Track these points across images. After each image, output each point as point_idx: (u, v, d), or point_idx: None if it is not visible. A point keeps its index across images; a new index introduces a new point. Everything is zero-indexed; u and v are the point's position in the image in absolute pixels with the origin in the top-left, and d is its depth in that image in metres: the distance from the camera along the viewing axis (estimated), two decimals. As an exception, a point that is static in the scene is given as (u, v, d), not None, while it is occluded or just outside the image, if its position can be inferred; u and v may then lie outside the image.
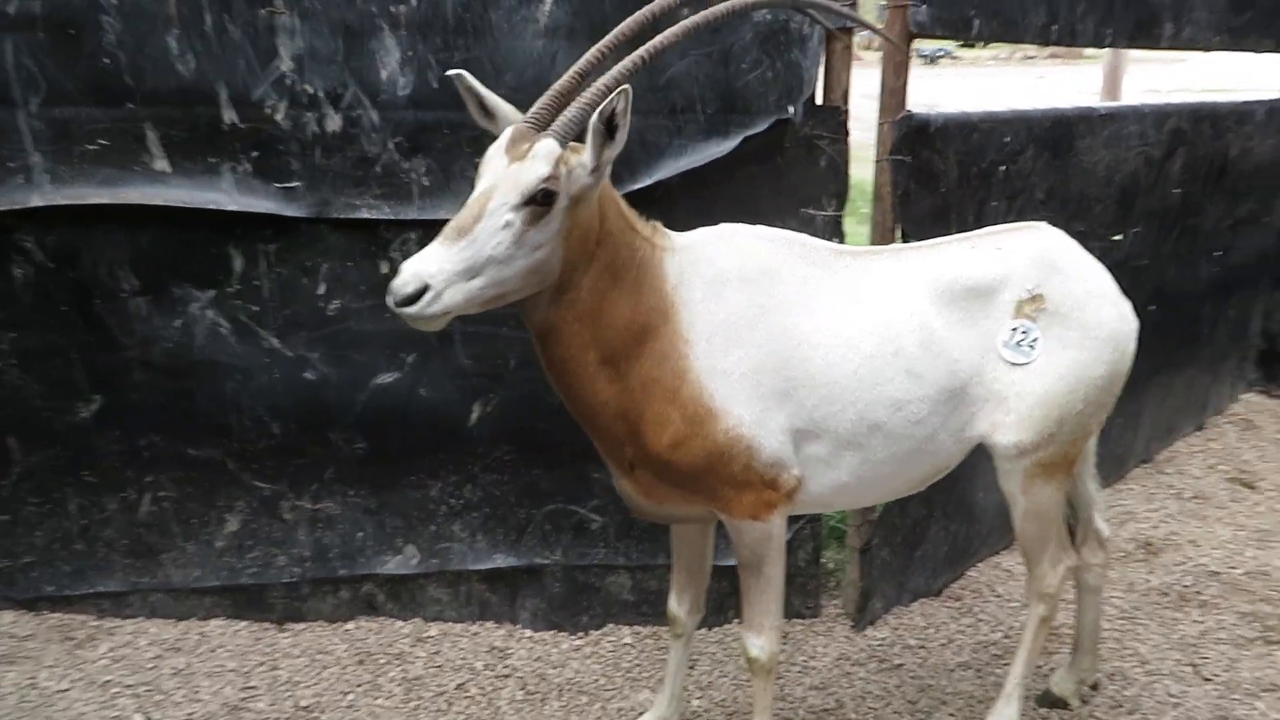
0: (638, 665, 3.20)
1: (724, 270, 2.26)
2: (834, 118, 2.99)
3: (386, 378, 3.15)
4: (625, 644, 3.31)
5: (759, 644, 2.44)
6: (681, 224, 2.99)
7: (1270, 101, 5.00)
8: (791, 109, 2.94)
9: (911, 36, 2.95)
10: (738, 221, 2.81)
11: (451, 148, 2.97)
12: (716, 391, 2.19)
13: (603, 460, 2.45)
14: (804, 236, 2.46)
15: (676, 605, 2.71)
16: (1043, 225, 2.60)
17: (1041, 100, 4.01)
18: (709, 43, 2.89)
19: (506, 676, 3.12)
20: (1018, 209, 3.48)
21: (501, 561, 3.32)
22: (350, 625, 3.33)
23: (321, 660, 3.16)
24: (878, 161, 3.06)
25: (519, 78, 2.91)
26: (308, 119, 2.92)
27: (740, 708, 2.98)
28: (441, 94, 2.91)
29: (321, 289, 3.07)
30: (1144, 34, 3.88)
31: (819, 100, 3.01)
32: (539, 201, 1.92)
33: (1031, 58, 33.17)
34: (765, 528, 2.31)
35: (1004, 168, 3.37)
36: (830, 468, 2.34)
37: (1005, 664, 3.18)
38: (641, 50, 2.04)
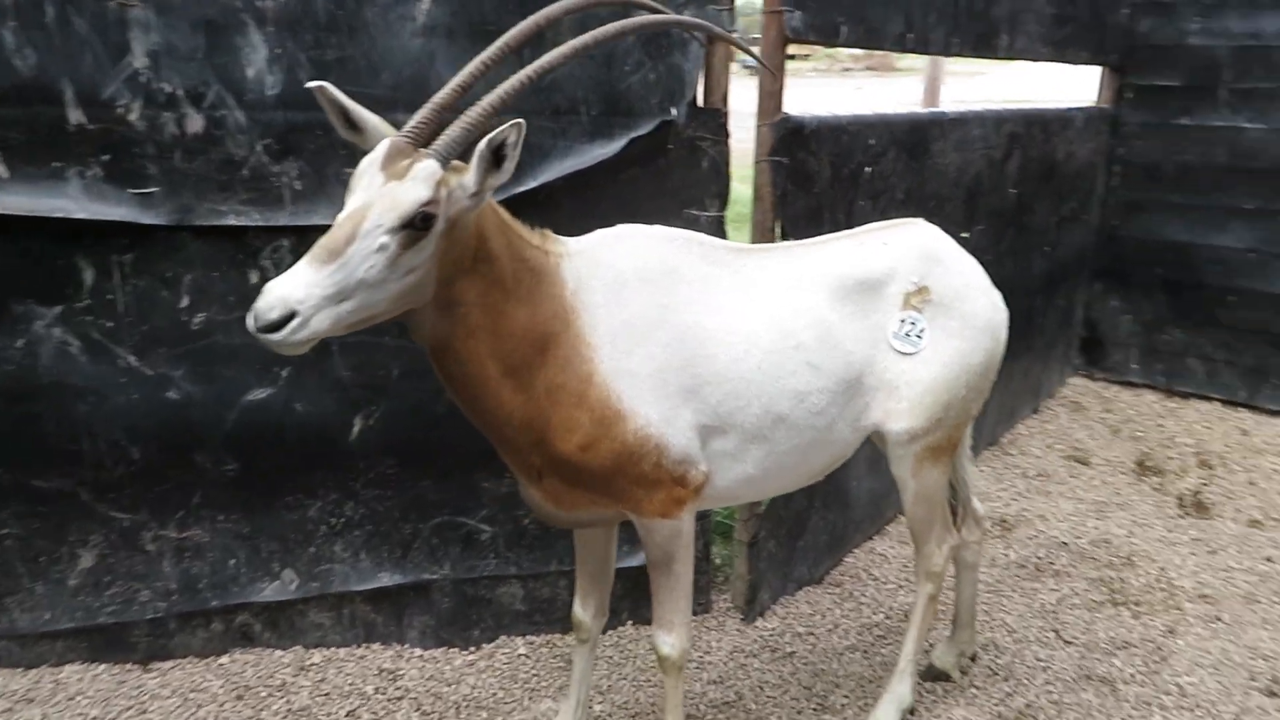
0: (535, 675, 3.14)
1: (624, 271, 2.25)
2: (715, 120, 3.04)
3: (259, 394, 2.97)
4: (520, 655, 3.25)
5: (670, 641, 2.45)
6: (566, 227, 2.96)
7: (1089, 109, 5.44)
8: (674, 111, 2.97)
9: (787, 41, 3.03)
10: (622, 223, 2.81)
11: (325, 150, 2.84)
12: (624, 393, 2.18)
13: (509, 469, 2.39)
14: (701, 235, 2.47)
15: (581, 610, 2.68)
16: (920, 221, 2.73)
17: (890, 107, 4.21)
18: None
19: (399, 699, 3.01)
20: (881, 208, 3.64)
21: (387, 580, 3.20)
22: (225, 659, 3.12)
23: (195, 699, 2.95)
24: (757, 162, 3.12)
25: (396, 77, 2.82)
26: (165, 119, 2.72)
27: (642, 709, 2.99)
28: (311, 93, 2.77)
29: (184, 301, 2.87)
30: (985, 44, 4.14)
31: (700, 103, 3.05)
32: (416, 226, 1.83)
33: (849, 69, 34.79)
34: (675, 525, 2.32)
35: (869, 169, 3.52)
36: (737, 461, 2.37)
37: (889, 644, 3.33)
38: (528, 69, 2.00)
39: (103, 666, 3.04)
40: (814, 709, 3.00)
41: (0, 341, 2.76)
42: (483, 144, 1.85)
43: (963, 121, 4.09)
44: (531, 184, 2.93)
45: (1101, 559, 3.93)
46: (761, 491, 2.64)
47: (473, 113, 1.91)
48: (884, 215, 3.63)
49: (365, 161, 1.87)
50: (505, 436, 2.23)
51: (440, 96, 1.95)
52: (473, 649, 3.28)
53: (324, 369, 2.99)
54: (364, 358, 3.00)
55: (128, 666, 3.06)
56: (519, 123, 1.86)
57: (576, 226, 2.99)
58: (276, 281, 1.75)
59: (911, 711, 2.91)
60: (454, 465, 3.14)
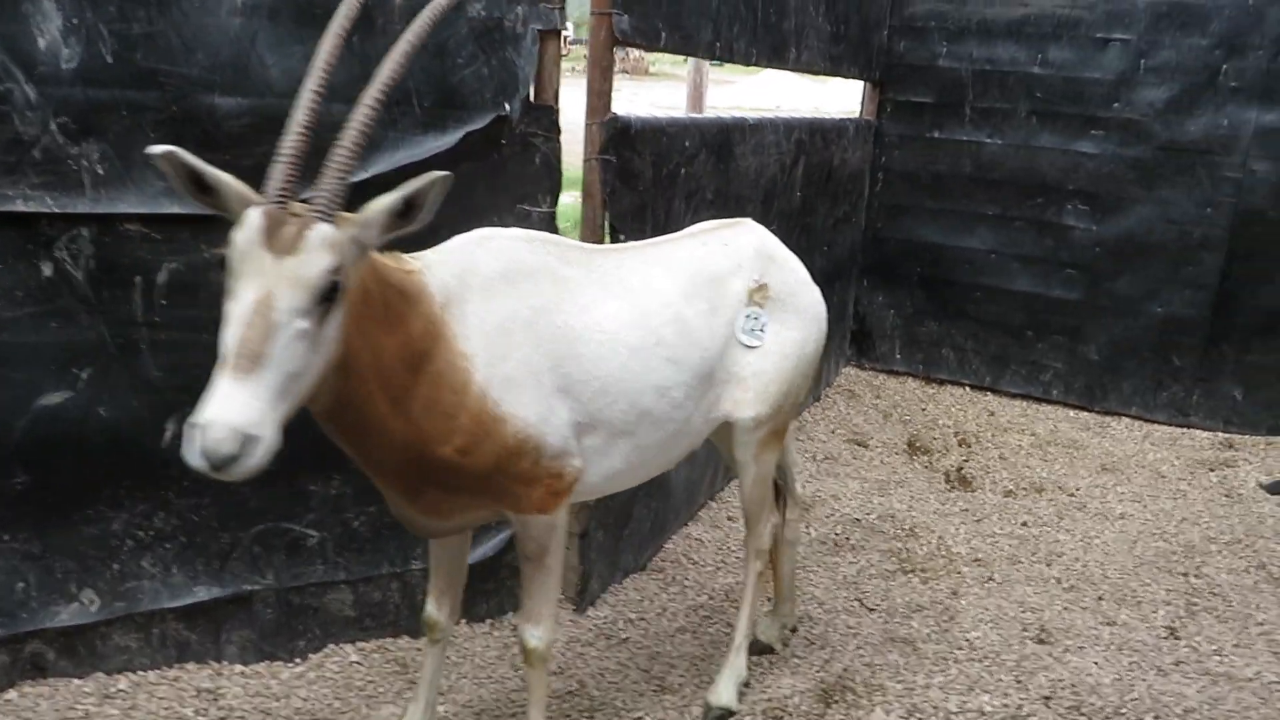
0: (370, 682, 3.05)
1: (489, 276, 2.22)
2: (548, 116, 3.07)
3: (54, 397, 2.69)
4: (353, 662, 3.13)
5: (537, 634, 2.46)
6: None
7: (858, 120, 5.92)
8: (508, 106, 2.97)
9: (615, 43, 3.11)
10: (457, 218, 2.79)
11: (132, 131, 2.61)
12: (502, 398, 2.16)
13: (380, 492, 2.33)
14: (554, 236, 2.51)
15: (436, 610, 2.64)
16: (749, 221, 2.90)
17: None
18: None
19: (223, 719, 2.82)
20: (693, 207, 3.81)
21: (204, 594, 2.98)
22: (12, 694, 2.80)
23: (-21, 742, 2.64)
24: (586, 160, 3.18)
25: (213, 58, 2.64)
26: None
27: (487, 706, 2.97)
28: (117, 70, 2.55)
29: (-38, 297, 2.55)
30: (778, 55, 4.42)
31: (532, 99, 3.07)
32: (329, 296, 1.71)
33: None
34: (551, 519, 2.35)
35: (684, 170, 3.67)
36: (605, 456, 2.43)
37: (715, 623, 3.49)
38: (375, 90, 1.92)
39: None
40: (654, 690, 3.11)
41: None
42: (396, 199, 1.79)
43: (760, 128, 4.35)
44: (364, 175, 2.83)
45: (889, 532, 4.31)
46: (626, 483, 2.68)
47: (340, 157, 1.80)
48: (696, 214, 3.80)
49: (242, 240, 1.69)
50: (387, 462, 2.14)
51: (291, 146, 1.79)
52: (299, 660, 3.13)
53: (132, 368, 2.75)
54: (178, 357, 2.79)
55: (-111, 715, 2.68)
56: (447, 175, 1.78)
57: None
58: (211, 412, 1.57)
59: (746, 684, 3.07)
60: (279, 469, 2.95)
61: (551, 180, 3.13)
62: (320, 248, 1.70)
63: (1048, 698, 3.17)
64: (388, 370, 2.00)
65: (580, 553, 3.46)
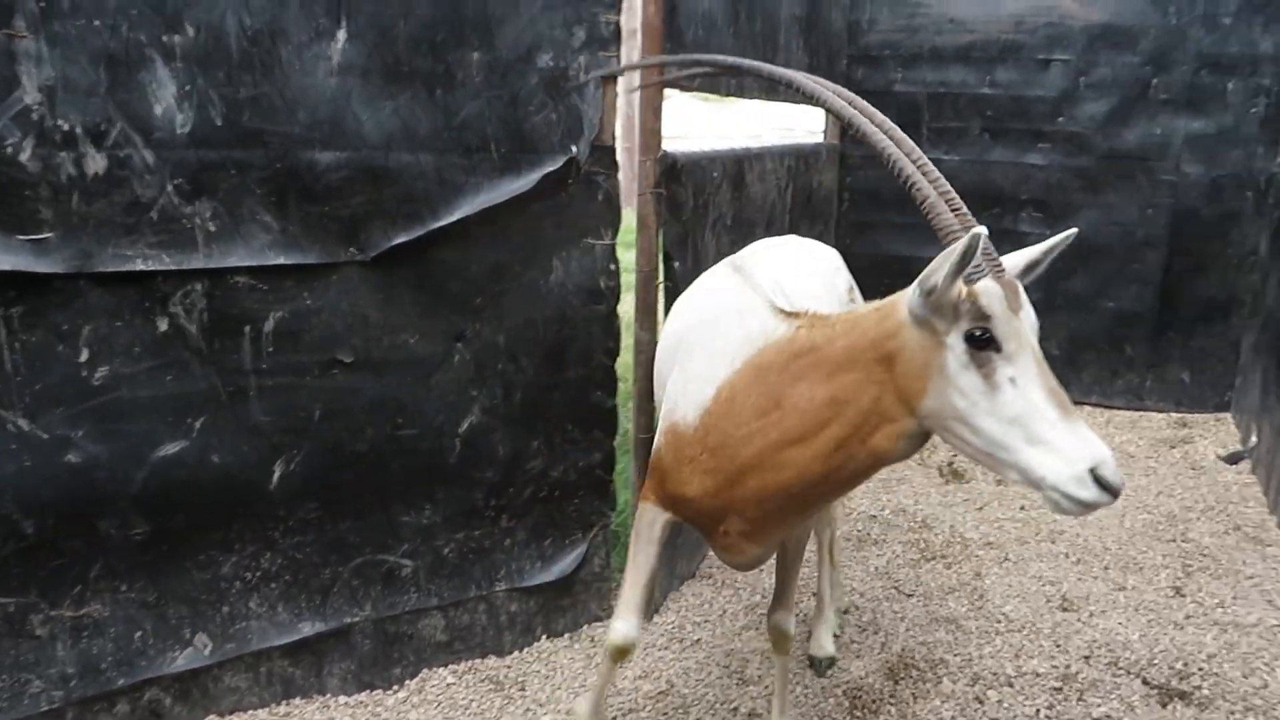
0: (473, 700, 3.19)
1: None
2: (608, 155, 3.29)
3: (170, 448, 2.79)
4: (449, 684, 3.27)
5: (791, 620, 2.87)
6: (479, 257, 3.13)
7: (828, 144, 6.28)
8: (575, 148, 3.19)
9: (665, 85, 3.37)
10: (528, 253, 3.06)
11: (238, 189, 2.75)
12: None
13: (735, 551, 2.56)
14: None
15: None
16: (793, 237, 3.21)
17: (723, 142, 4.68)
18: (498, 87, 3.03)
19: (342, 747, 2.95)
20: (717, 234, 4.07)
21: (308, 629, 3.10)
22: (135, 741, 2.87)
23: (115, 789, 2.70)
24: (640, 195, 3.42)
25: (312, 116, 2.80)
26: (61, 159, 2.52)
27: (588, 711, 3.14)
28: (226, 131, 2.70)
29: (84, 355, 2.65)
30: (773, 88, 4.72)
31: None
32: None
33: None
34: None
35: (713, 199, 3.94)
36: None
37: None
38: (904, 157, 2.14)
39: (-10, 775, 2.69)
40: (736, 682, 3.32)
41: None
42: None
43: (762, 156, 4.65)
44: (448, 219, 3.02)
45: (904, 525, 4.62)
46: None
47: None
48: (719, 240, 4.06)
49: (1003, 309, 1.86)
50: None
51: (953, 219, 2.01)
52: (397, 686, 3.25)
53: (240, 415, 2.88)
54: (284, 400, 2.92)
55: (20, 770, 2.73)
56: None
57: (487, 258, 3.16)
58: (1104, 450, 1.77)
59: (839, 633, 3.48)
60: (373, 502, 3.12)
61: (612, 214, 3.35)
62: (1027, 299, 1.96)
63: (1087, 657, 3.49)
64: None
65: (645, 563, 3.66)
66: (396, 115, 2.92)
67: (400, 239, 2.97)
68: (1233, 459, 5.46)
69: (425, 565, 3.26)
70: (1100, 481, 1.75)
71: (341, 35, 2.79)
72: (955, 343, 1.90)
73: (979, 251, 1.83)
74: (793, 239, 3.19)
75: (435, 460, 3.18)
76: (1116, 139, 6.12)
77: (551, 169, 3.13)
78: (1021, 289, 1.92)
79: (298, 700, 3.12)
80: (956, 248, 1.81)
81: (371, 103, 2.88)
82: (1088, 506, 1.78)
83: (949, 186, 2.05)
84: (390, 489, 3.15)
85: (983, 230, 1.81)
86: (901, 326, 2.01)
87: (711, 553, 4.23)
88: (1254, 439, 5.41)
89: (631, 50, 3.87)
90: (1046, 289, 6.37)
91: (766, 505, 2.32)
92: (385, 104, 2.89)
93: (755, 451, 2.25)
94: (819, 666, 3.42)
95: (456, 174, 3.04)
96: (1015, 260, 2.10)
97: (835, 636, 3.54)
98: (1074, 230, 2.11)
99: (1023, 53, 6.19)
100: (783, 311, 2.35)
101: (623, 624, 2.68)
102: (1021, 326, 1.87)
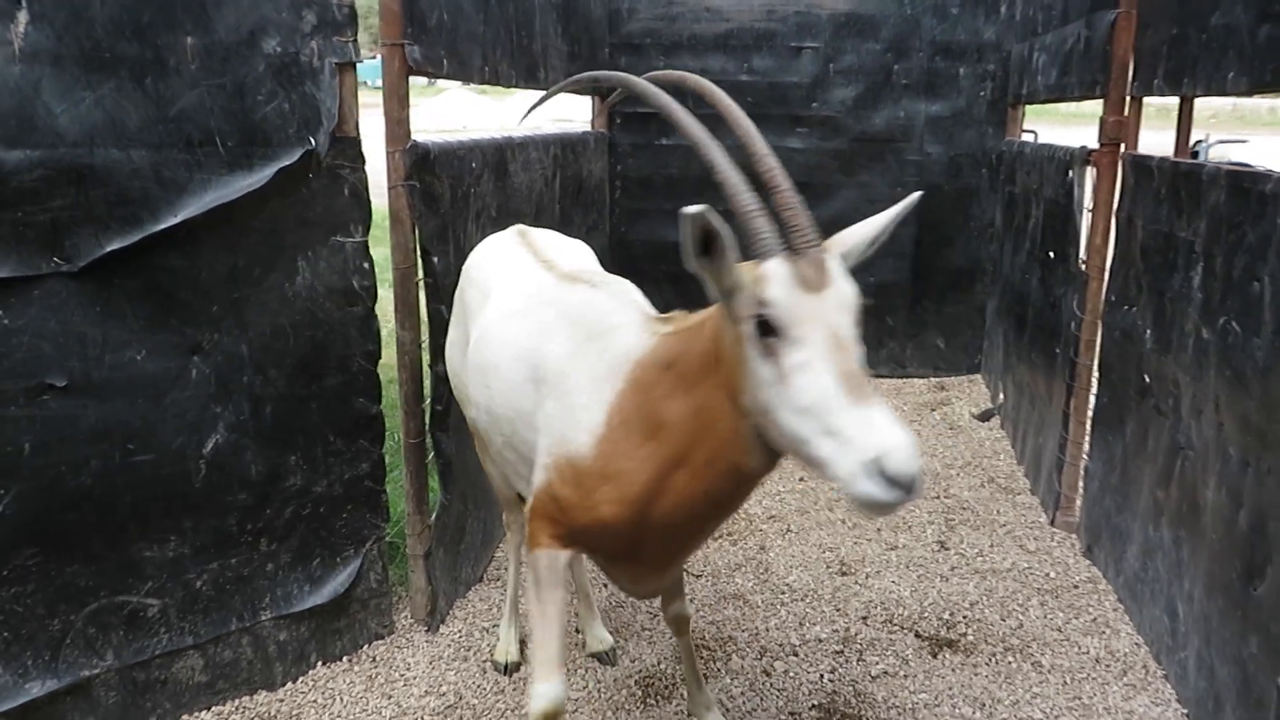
0: (240, 743, 2.94)
1: None
2: (352, 147, 3.09)
3: None
4: (214, 728, 3.00)
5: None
6: (210, 262, 2.88)
7: (596, 133, 6.27)
8: (314, 140, 2.98)
9: (410, 71, 3.20)
10: (270, 254, 2.80)
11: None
12: None
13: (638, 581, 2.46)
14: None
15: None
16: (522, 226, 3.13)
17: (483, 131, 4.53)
18: (218, 74, 2.78)
19: (87, 816, 2.63)
20: (482, 225, 3.94)
21: (37, 689, 2.74)
22: None
23: None
24: (391, 188, 3.24)
25: (-7, 109, 2.46)
26: None
27: (371, 737, 2.96)
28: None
29: None
30: (532, 76, 4.64)
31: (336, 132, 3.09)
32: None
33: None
34: None
35: (474, 189, 3.81)
36: None
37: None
38: (754, 138, 2.01)
39: None
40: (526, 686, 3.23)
41: None
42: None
43: (526, 145, 4.55)
44: (171, 220, 2.74)
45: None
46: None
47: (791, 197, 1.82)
48: (483, 232, 3.94)
49: (784, 290, 1.70)
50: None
51: (755, 198, 1.84)
52: (152, 740, 2.95)
53: (-72, 457, 2.49)
54: (-20, 436, 2.56)
55: None
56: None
57: (221, 263, 2.91)
58: (898, 437, 1.54)
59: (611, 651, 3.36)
60: (106, 540, 2.80)
61: (361, 210, 3.15)
62: (842, 273, 1.81)
63: (864, 618, 3.64)
64: None
65: (425, 574, 3.50)
66: (100, 107, 2.61)
67: (114, 245, 2.66)
68: (984, 416, 5.90)
69: (176, 602, 2.96)
70: (887, 475, 1.52)
71: (23, 17, 2.46)
72: (749, 331, 1.75)
73: (722, 231, 1.73)
74: (548, 233, 3.09)
75: (177, 487, 2.89)
76: (866, 122, 6.46)
77: (287, 163, 2.90)
78: (832, 264, 1.74)
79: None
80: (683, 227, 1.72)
81: (67, 94, 2.55)
82: (881, 507, 1.55)
83: (771, 166, 1.89)
84: (126, 523, 2.83)
85: (698, 209, 1.70)
86: (721, 321, 1.89)
87: (495, 553, 4.12)
88: (1001, 396, 5.86)
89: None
90: (813, 267, 6.64)
91: (673, 533, 2.16)
92: (84, 95, 2.57)
93: (650, 477, 2.06)
94: (607, 658, 3.38)
95: (178, 171, 2.76)
96: (860, 233, 1.99)
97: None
98: (919, 194, 2.04)
99: (776, 40, 6.42)
100: (652, 318, 2.20)
101: (547, 686, 2.32)
102: (819, 307, 1.69)
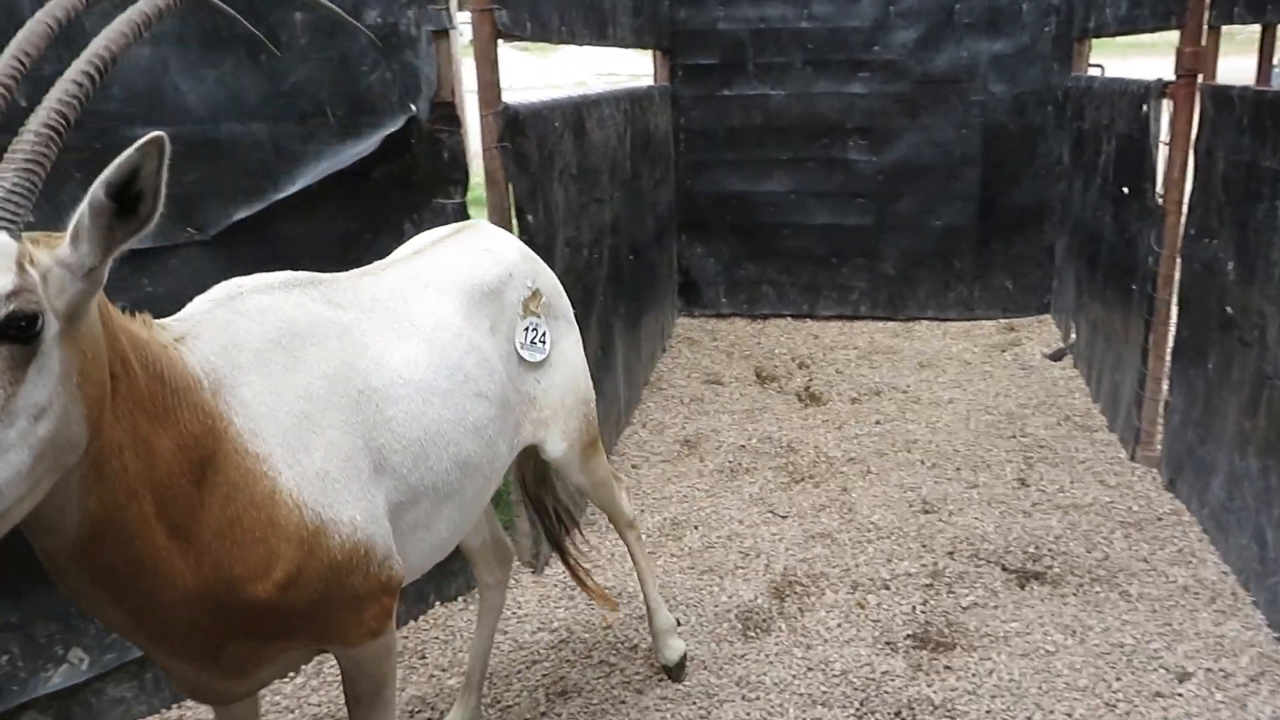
0: (372, 677, 3.15)
1: (261, 347, 1.74)
2: (450, 111, 3.22)
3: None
4: (346, 664, 3.21)
5: None
6: (327, 228, 3.02)
7: (659, 87, 6.33)
8: (415, 106, 3.10)
9: (498, 35, 3.31)
10: (379, 219, 2.89)
11: (57, 172, 2.55)
12: (318, 500, 1.72)
13: (160, 663, 1.80)
14: (307, 275, 2.06)
15: None
16: (484, 222, 2.74)
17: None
18: (325, 48, 2.91)
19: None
20: (564, 184, 4.06)
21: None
22: (12, 773, 2.70)
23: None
24: (485, 150, 3.37)
25: (128, 90, 2.62)
26: None
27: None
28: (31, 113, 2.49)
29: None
30: (602, 34, 4.72)
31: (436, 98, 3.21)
32: (15, 336, 1.22)
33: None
34: (387, 641, 1.93)
35: (557, 148, 3.92)
36: (429, 530, 2.05)
37: (658, 557, 3.82)
38: (84, 63, 1.38)
39: None
40: (638, 618, 3.40)
41: None
42: (98, 189, 1.27)
43: (599, 103, 4.65)
44: (290, 189, 2.90)
45: (772, 451, 4.80)
46: (445, 552, 2.23)
47: (26, 146, 1.28)
48: (566, 190, 4.06)
49: None
50: (172, 619, 1.58)
51: None
52: (293, 672, 3.17)
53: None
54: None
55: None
56: (157, 136, 1.27)
57: (335, 228, 3.06)
58: None
59: (678, 624, 3.25)
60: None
61: (460, 172, 3.28)
62: None
63: (951, 553, 3.75)
64: (164, 481, 1.50)
65: (530, 520, 3.67)
66: (221, 84, 2.76)
67: (241, 214, 2.83)
68: (1056, 356, 5.92)
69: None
70: None
71: (151, 1, 2.61)
72: None
73: None
74: (450, 232, 2.56)
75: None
76: (929, 64, 6.42)
77: (393, 129, 3.04)
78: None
79: (188, 702, 3.00)
80: None
81: (192, 71, 2.71)
82: None
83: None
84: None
85: None
86: None
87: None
88: (1073, 336, 5.88)
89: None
90: (879, 212, 6.67)
91: None
92: (207, 72, 2.73)
93: None
94: (677, 672, 3.10)
95: (294, 142, 2.91)
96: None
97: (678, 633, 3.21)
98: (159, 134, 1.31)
99: (835, -15, 6.40)
100: None
101: None
102: None
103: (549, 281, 2.58)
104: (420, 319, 2.11)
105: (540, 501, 3.03)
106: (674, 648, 3.10)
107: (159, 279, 2.74)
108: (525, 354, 2.40)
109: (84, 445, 1.34)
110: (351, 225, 3.07)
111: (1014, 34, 6.35)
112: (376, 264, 2.32)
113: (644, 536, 3.96)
